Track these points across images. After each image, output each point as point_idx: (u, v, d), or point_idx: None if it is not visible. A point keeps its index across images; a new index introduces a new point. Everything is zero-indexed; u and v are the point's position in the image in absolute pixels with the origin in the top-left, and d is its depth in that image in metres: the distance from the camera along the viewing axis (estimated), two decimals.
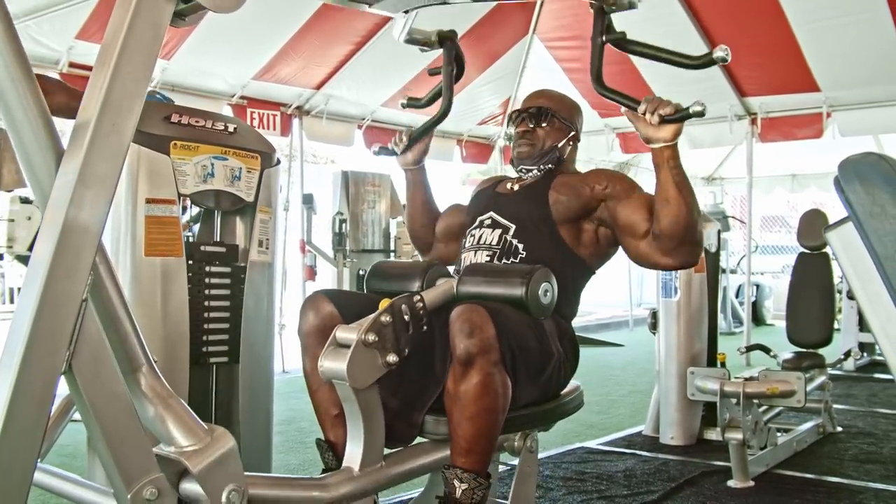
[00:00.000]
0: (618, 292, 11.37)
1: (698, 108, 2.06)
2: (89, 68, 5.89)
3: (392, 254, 7.23)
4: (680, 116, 2.12)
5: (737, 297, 11.57)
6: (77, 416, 1.60)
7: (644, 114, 2.15)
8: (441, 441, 2.11)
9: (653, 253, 2.30)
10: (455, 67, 2.60)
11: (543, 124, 2.58)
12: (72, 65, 5.86)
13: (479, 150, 9.40)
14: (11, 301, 13.62)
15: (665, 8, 6.61)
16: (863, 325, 7.60)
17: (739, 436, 3.63)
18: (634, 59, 7.09)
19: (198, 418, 1.63)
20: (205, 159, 2.44)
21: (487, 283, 2.19)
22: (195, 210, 3.05)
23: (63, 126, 1.60)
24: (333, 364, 1.91)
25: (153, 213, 2.35)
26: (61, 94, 2.25)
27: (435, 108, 2.66)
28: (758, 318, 11.72)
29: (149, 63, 1.47)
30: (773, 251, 15.43)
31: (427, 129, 2.68)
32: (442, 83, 2.61)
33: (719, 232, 4.69)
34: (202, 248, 2.60)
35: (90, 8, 5.49)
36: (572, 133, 2.63)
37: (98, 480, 2.13)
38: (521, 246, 2.41)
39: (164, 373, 1.61)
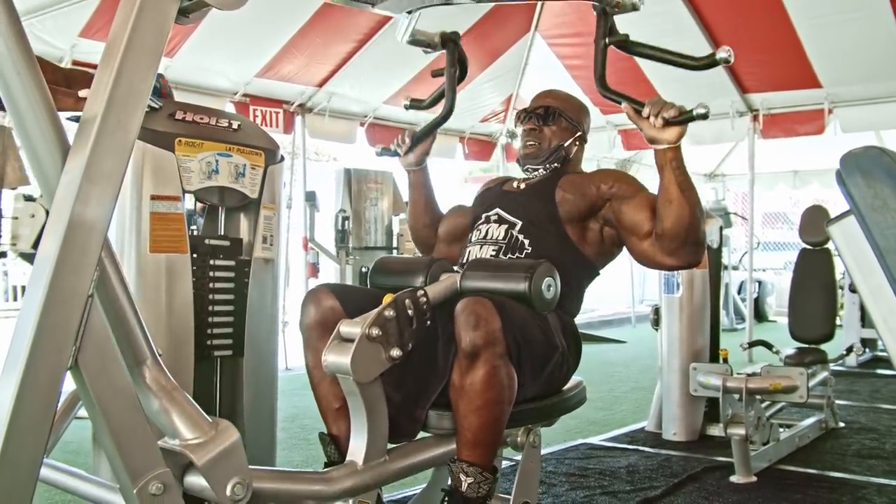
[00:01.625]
0: (620, 289, 11.37)
1: (702, 111, 2.07)
2: (93, 66, 5.89)
3: (395, 251, 7.23)
4: (683, 119, 2.12)
5: (738, 293, 11.56)
6: (81, 412, 1.61)
7: (648, 116, 2.15)
8: (445, 436, 2.13)
9: (656, 253, 2.31)
10: (458, 69, 2.61)
11: (550, 124, 2.60)
12: (75, 62, 5.85)
13: (481, 147, 9.40)
14: (15, 299, 13.66)
15: (667, 4, 6.60)
16: (865, 321, 7.60)
17: (742, 431, 3.64)
18: (640, 61, 7.15)
19: (202, 411, 1.64)
20: (209, 156, 2.45)
21: (491, 277, 2.20)
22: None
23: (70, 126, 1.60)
24: (337, 358, 1.92)
25: (158, 210, 2.36)
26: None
27: (437, 108, 2.68)
28: (760, 315, 11.72)
29: (154, 60, 1.48)
30: (774, 248, 15.43)
31: (429, 131, 2.70)
32: (445, 84, 2.62)
33: (721, 228, 4.69)
34: (206, 241, 2.61)
35: (93, 6, 5.49)
36: (579, 133, 2.64)
37: (103, 476, 2.14)
38: (526, 242, 2.43)
39: (169, 367, 1.62)
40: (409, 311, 2.00)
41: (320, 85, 7.33)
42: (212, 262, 2.59)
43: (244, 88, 6.93)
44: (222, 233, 2.67)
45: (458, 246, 2.76)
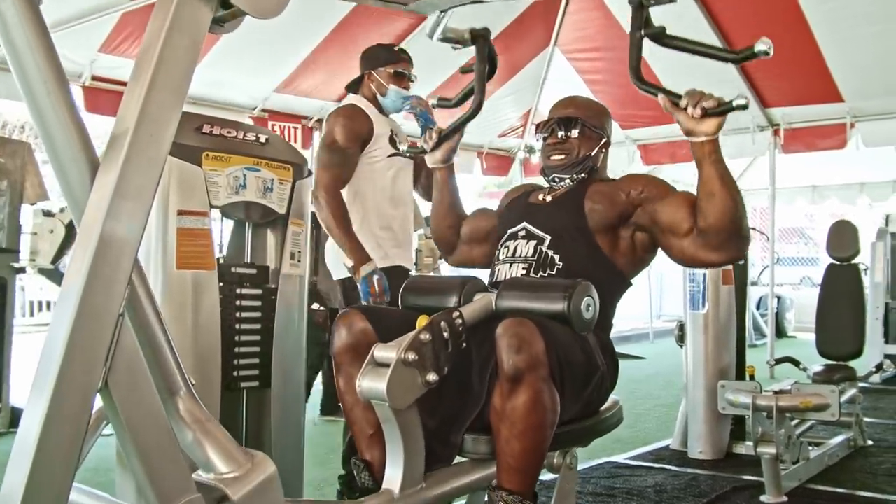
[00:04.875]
0: (638, 304, 11.28)
1: (742, 102, 2.02)
2: (112, 81, 5.93)
3: (414, 266, 7.16)
4: (723, 110, 2.08)
5: (757, 308, 11.46)
6: (107, 430, 1.56)
7: (686, 107, 2.10)
8: (481, 460, 2.07)
9: (698, 250, 2.24)
10: (488, 66, 2.56)
11: (574, 133, 2.54)
12: (94, 78, 5.87)
13: (499, 162, 9.36)
14: (32, 314, 13.68)
15: (688, 19, 6.55)
16: (888, 337, 7.51)
17: (773, 450, 3.57)
18: (653, 64, 7.11)
19: (236, 442, 1.59)
20: (237, 170, 2.40)
21: (528, 297, 2.14)
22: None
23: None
24: (372, 384, 1.87)
25: (185, 226, 2.31)
26: None
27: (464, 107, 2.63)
28: (779, 331, 11.59)
29: (187, 72, 1.44)
30: (791, 263, 15.36)
31: (457, 128, 2.64)
32: (474, 81, 2.56)
33: None
34: (233, 269, 2.55)
35: (114, 21, 5.49)
36: (604, 140, 2.59)
37: (128, 498, 2.09)
38: (556, 257, 2.37)
39: (196, 395, 1.57)
40: (445, 334, 1.95)
41: (339, 100, 7.27)
42: (238, 290, 2.52)
43: (263, 104, 6.93)
44: (249, 249, 2.62)
45: (479, 249, 2.73)
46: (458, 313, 2.01)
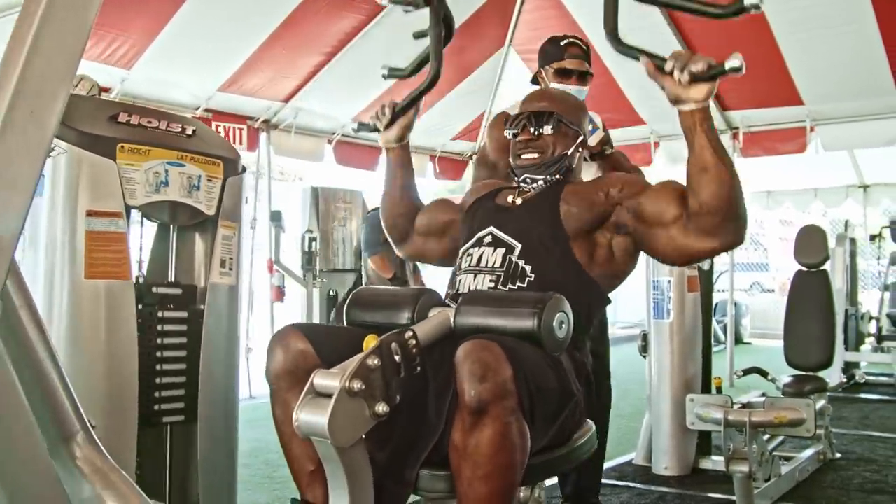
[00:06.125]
0: None
1: (735, 63, 1.78)
2: None
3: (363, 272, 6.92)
4: (714, 73, 1.84)
5: (713, 315, 11.34)
6: None
7: (672, 71, 1.86)
8: (439, 499, 1.80)
9: (688, 238, 1.99)
10: (444, 29, 2.28)
11: (548, 129, 2.28)
12: None
13: (452, 165, 9.12)
14: None
15: (648, 18, 6.38)
16: (848, 344, 7.41)
17: (745, 468, 3.34)
18: (613, 70, 6.94)
19: (145, 497, 1.30)
20: (157, 165, 2.10)
21: (491, 313, 1.88)
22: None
23: None
24: (312, 417, 1.60)
25: (95, 228, 2.01)
26: None
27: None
28: (736, 337, 11.53)
29: (81, 32, 1.16)
30: (742, 268, 15.36)
31: (413, 101, 2.39)
32: (429, 48, 2.29)
33: None
34: (154, 289, 2.26)
35: None
36: (580, 138, 2.34)
37: None
38: (528, 268, 2.11)
39: (108, 432, 1.28)
40: (397, 357, 1.69)
41: (286, 100, 7.02)
42: (160, 313, 2.24)
43: (206, 103, 6.59)
44: (173, 260, 2.31)
45: (435, 243, 2.50)
46: (411, 333, 1.75)
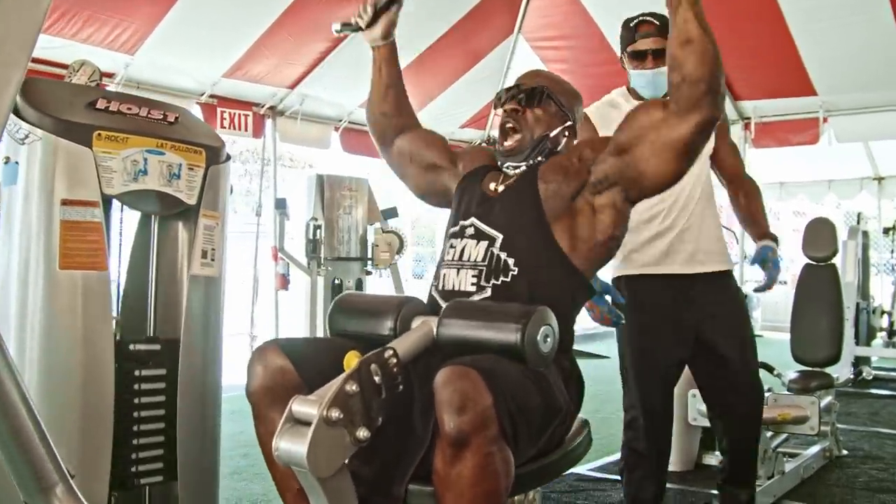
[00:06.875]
0: None
1: None
2: (42, 61, 5.50)
3: (369, 262, 6.86)
4: None
5: None
6: None
7: None
8: None
9: (674, 122, 1.95)
10: None
11: (535, 107, 2.19)
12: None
13: None
14: None
15: (658, 8, 6.30)
16: (859, 339, 7.32)
17: None
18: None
19: None
20: (136, 153, 2.04)
21: (474, 326, 1.81)
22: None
23: None
24: (291, 446, 1.55)
25: (70, 218, 1.95)
26: None
27: None
28: None
29: (35, 17, 1.10)
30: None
31: None
32: None
33: None
34: (132, 347, 2.19)
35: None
36: (569, 123, 2.23)
37: None
38: (511, 261, 2.02)
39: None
40: (377, 378, 1.63)
41: (292, 86, 6.96)
42: (138, 372, 2.17)
43: (211, 89, 6.52)
44: (155, 252, 2.24)
45: (414, 170, 2.44)
46: (391, 352, 1.69)
